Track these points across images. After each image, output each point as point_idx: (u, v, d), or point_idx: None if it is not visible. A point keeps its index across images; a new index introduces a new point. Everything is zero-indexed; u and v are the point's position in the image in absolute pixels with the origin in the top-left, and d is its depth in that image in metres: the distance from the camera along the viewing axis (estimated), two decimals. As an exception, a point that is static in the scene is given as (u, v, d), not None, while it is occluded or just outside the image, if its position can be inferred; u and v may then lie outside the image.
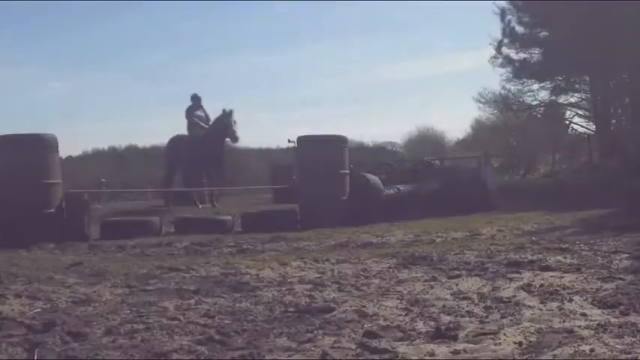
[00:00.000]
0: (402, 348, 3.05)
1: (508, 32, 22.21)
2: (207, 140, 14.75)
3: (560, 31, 20.53)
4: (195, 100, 15.63)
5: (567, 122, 26.49)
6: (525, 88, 24.02)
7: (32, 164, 8.90)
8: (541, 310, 3.72)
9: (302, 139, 11.31)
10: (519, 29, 22.23)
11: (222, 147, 15.01)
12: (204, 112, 15.70)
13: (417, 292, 4.27)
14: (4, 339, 3.17)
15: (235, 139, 15.17)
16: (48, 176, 9.04)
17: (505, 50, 22.63)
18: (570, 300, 3.91)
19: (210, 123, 15.41)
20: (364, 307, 3.88)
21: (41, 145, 9.04)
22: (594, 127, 23.89)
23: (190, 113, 15.42)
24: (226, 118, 14.89)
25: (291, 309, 3.87)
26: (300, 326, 3.46)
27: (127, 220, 10.04)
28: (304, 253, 6.33)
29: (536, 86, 23.65)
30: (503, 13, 22.06)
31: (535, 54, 22.54)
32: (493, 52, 22.84)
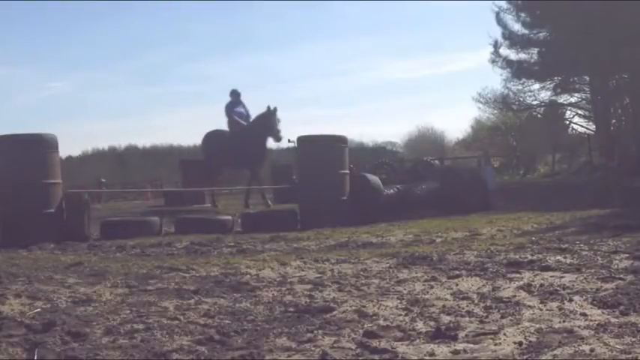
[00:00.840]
0: (402, 348, 3.05)
1: (507, 34, 22.23)
2: (248, 137, 14.12)
3: (560, 31, 20.54)
4: (235, 95, 15.01)
5: (567, 122, 26.52)
6: (525, 88, 24.07)
7: (32, 164, 8.89)
8: (541, 310, 3.71)
9: (302, 139, 11.31)
10: (518, 29, 22.26)
11: (264, 145, 14.45)
12: (245, 107, 15.05)
13: (417, 292, 4.27)
14: (4, 339, 3.17)
15: (279, 138, 14.58)
16: (48, 176, 9.04)
17: (504, 51, 22.68)
18: (570, 300, 3.91)
19: (252, 120, 14.76)
20: (364, 307, 3.88)
21: (41, 145, 9.04)
22: (594, 127, 23.91)
23: (230, 110, 14.81)
24: (270, 116, 14.30)
25: (291, 309, 3.87)
26: (300, 326, 3.46)
27: (127, 220, 10.06)
28: (304, 253, 6.33)
29: (536, 86, 23.70)
30: (498, 16, 22.07)
31: (535, 54, 22.55)
32: (492, 55, 22.91)
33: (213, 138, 15.00)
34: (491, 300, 3.99)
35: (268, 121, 14.28)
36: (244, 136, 14.31)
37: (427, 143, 40.09)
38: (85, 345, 3.12)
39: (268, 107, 14.41)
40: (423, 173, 13.84)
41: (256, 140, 14.13)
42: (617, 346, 2.94)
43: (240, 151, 14.01)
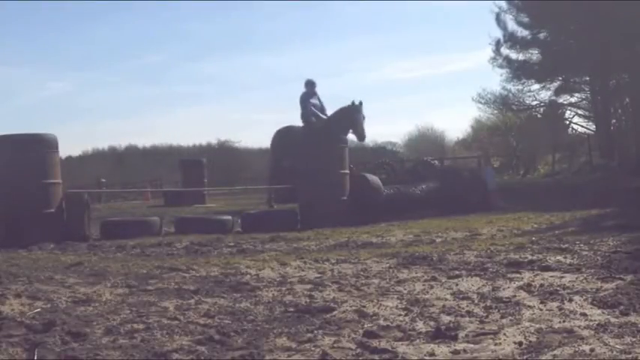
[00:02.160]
0: (402, 348, 3.05)
1: (507, 34, 22.23)
2: (327, 133, 12.73)
3: (559, 31, 20.54)
4: (310, 86, 13.87)
5: (567, 122, 26.52)
6: (525, 89, 24.08)
7: (32, 164, 8.89)
8: (541, 310, 3.71)
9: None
10: (518, 30, 22.26)
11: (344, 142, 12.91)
12: (319, 100, 13.92)
13: (417, 292, 4.27)
14: (4, 339, 3.17)
15: (362, 137, 13.37)
16: (48, 176, 9.04)
17: (504, 51, 22.68)
18: (570, 300, 3.91)
19: (330, 113, 13.63)
20: (364, 307, 3.88)
21: (41, 145, 9.03)
22: (594, 127, 23.91)
23: (306, 101, 13.68)
24: (354, 111, 13.08)
25: (291, 309, 3.87)
26: (300, 326, 3.46)
27: (127, 220, 10.06)
28: (304, 253, 6.33)
29: (536, 86, 23.70)
30: (498, 16, 22.06)
31: (535, 54, 22.56)
32: (493, 52, 22.91)
33: (283, 134, 14.03)
34: (491, 300, 3.99)
35: (352, 117, 13.07)
36: (321, 130, 13.11)
37: (427, 143, 40.11)
38: (85, 345, 3.12)
39: (353, 102, 13.26)
40: (423, 173, 13.82)
41: (335, 136, 12.51)
42: (617, 346, 2.94)
43: (316, 146, 12.43)
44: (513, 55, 22.70)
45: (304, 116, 13.86)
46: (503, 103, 25.26)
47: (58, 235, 8.47)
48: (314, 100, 13.90)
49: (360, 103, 13.22)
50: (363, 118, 13.22)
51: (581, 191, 13.52)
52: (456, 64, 63.97)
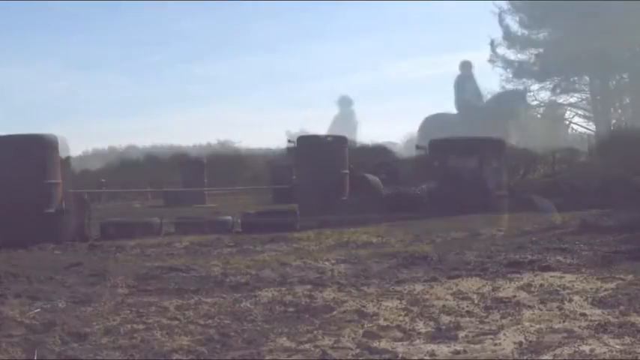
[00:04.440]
0: (402, 348, 3.05)
1: (507, 34, 22.19)
2: (483, 119, 11.97)
3: (559, 31, 20.53)
4: (466, 68, 13.04)
5: (567, 122, 26.47)
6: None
7: (32, 164, 8.88)
8: (541, 310, 3.71)
9: (302, 139, 11.30)
10: (518, 30, 22.22)
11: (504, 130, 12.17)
12: (475, 83, 13.10)
13: (417, 292, 4.27)
14: (4, 339, 3.17)
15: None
16: (48, 176, 9.03)
17: (503, 51, 22.62)
18: (570, 300, 3.91)
19: (487, 99, 12.71)
20: (364, 307, 3.88)
21: (41, 145, 9.03)
22: (594, 127, 23.88)
23: (461, 86, 12.82)
24: (517, 97, 12.40)
25: (291, 309, 3.87)
26: (300, 326, 3.45)
27: (127, 221, 10.05)
28: (304, 253, 6.33)
29: (536, 86, 23.63)
30: (498, 17, 22.02)
31: (534, 54, 22.51)
32: (491, 53, 22.87)
33: (431, 121, 13.15)
34: (491, 300, 3.99)
35: (511, 104, 12.39)
36: (478, 117, 12.30)
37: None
38: (85, 345, 3.12)
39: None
40: (424, 173, 13.75)
41: (494, 123, 12.00)
42: (617, 346, 2.94)
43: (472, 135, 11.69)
44: (512, 56, 22.66)
45: (457, 103, 13.05)
46: (503, 103, 25.22)
47: (58, 235, 8.47)
48: (470, 84, 12.98)
49: (525, 90, 12.85)
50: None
51: (581, 191, 13.49)
52: (456, 64, 63.86)
